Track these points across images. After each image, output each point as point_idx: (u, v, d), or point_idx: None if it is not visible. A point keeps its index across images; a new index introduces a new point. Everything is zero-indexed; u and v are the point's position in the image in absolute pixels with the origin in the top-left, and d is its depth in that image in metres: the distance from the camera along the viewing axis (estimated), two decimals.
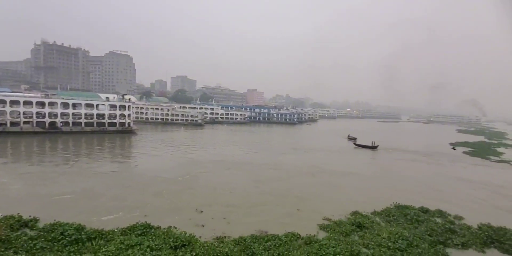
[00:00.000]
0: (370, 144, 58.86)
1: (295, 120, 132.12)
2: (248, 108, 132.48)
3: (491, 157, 53.14)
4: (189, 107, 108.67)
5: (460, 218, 20.94)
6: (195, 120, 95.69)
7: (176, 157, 39.67)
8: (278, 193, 25.58)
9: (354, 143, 60.86)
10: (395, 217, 19.95)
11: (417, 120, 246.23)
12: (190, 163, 36.31)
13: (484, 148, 65.81)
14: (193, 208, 20.88)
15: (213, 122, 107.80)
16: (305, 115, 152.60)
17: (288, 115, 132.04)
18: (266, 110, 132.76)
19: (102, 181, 26.55)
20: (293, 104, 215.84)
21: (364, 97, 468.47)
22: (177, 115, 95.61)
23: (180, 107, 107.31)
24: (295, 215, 20.42)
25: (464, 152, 58.12)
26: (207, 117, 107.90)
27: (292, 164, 39.02)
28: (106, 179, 27.38)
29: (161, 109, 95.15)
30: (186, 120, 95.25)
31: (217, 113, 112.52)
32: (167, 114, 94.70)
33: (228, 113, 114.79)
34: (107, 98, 68.60)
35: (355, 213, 21.01)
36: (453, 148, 61.63)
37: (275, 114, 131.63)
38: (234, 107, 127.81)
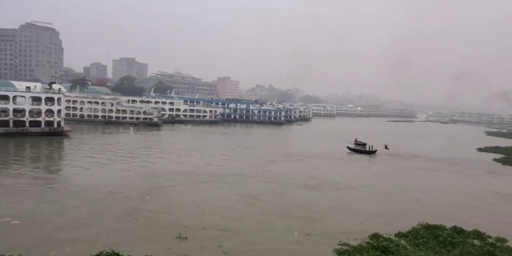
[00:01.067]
0: (367, 148, 62.56)
1: (283, 118, 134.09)
2: (220, 103, 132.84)
3: None
4: (140, 101, 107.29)
5: (503, 240, 22.43)
6: (150, 118, 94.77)
7: (130, 167, 39.65)
8: (278, 212, 26.44)
9: (348, 147, 64.19)
10: (424, 240, 21.16)
11: (436, 119, 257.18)
12: (151, 175, 36.45)
13: None
14: (174, 233, 21.06)
15: (174, 121, 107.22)
16: (295, 112, 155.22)
17: (273, 112, 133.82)
18: (244, 106, 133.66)
19: (41, 201, 26.17)
20: (278, 98, 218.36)
21: (371, 90, 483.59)
22: (124, 111, 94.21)
23: (129, 100, 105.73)
24: (305, 241, 21.16)
25: (495, 160, 61.73)
26: (165, 114, 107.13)
27: (285, 174, 40.07)
28: (45, 198, 26.97)
29: (102, 103, 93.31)
30: (137, 118, 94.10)
31: (178, 109, 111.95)
32: (111, 110, 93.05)
33: (193, 109, 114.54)
34: (28, 88, 66.36)
35: (375, 235, 22.06)
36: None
37: (256, 111, 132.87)
38: (201, 101, 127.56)
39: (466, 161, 59.02)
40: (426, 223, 24.17)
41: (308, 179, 38.93)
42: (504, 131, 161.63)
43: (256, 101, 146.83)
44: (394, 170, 48.53)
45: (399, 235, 22.36)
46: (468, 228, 23.80)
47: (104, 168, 38.86)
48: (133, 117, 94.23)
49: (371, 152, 61.78)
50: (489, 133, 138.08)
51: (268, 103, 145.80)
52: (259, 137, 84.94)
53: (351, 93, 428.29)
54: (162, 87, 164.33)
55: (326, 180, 38.59)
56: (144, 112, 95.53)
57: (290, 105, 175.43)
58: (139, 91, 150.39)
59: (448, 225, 23.91)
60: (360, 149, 62.85)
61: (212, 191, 31.65)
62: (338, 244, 20.65)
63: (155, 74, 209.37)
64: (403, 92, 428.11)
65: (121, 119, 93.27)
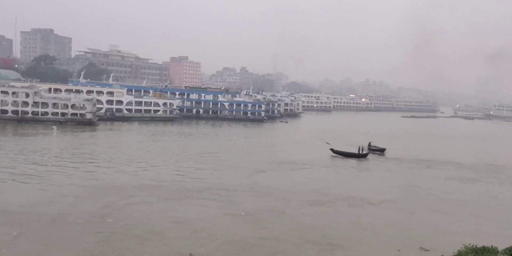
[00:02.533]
0: (358, 150, 65.82)
1: (263, 114, 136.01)
2: (177, 93, 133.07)
3: None
4: (66, 90, 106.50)
5: None
6: (81, 114, 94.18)
7: (68, 181, 40.25)
8: (290, 237, 27.87)
9: (331, 149, 67.37)
10: None
11: (466, 115, 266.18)
12: (101, 190, 37.23)
13: None
14: None
15: (114, 117, 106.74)
16: (279, 105, 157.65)
17: (250, 105, 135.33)
18: (210, 97, 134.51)
19: None
20: (255, 85, 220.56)
21: (379, 75, 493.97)
22: (45, 104, 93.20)
23: (50, 89, 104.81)
24: None
25: None
26: (101, 108, 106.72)
27: (280, 187, 41.79)
28: None
29: (13, 93, 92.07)
30: (63, 114, 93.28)
31: (120, 102, 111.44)
32: (26, 104, 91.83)
33: (141, 102, 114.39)
34: None
35: None
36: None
37: (227, 104, 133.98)
38: (151, 91, 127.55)
39: (506, 169, 62.64)
40: (474, 245, 26.32)
41: (312, 193, 40.63)
42: None
43: (227, 91, 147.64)
44: (419, 180, 50.93)
45: None
46: None
47: (30, 183, 39.19)
48: (57, 113, 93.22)
49: (362, 156, 65.15)
50: None
51: (243, 92, 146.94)
52: (235, 139, 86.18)
53: (353, 79, 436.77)
54: (95, 70, 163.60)
55: (335, 194, 40.41)
56: (73, 106, 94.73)
57: (273, 95, 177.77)
58: (62, 76, 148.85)
59: (499, 246, 26.08)
60: (347, 152, 66.58)
61: (194, 210, 32.84)
62: None
63: (83, 53, 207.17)
64: (422, 78, 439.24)
65: (40, 116, 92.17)
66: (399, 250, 26.37)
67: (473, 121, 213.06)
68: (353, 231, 30.09)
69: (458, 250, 25.37)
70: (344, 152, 66.58)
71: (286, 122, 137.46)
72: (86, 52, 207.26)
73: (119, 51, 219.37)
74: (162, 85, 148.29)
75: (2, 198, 33.68)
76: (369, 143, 75.95)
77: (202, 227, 28.92)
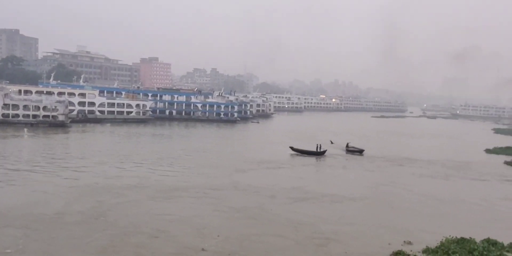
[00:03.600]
0: (316, 148, 68.59)
1: (236, 115, 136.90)
2: (150, 94, 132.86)
3: None
4: (37, 92, 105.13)
5: None
6: (53, 116, 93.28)
7: (52, 182, 40.64)
8: (285, 233, 29.31)
9: (291, 147, 69.78)
10: (457, 255, 24.50)
11: (434, 114, 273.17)
12: (87, 191, 37.84)
13: None
14: None
15: (86, 119, 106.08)
16: (251, 106, 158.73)
17: (223, 106, 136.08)
18: (183, 98, 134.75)
19: None
20: (226, 86, 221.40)
21: (348, 76, 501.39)
22: (15, 106, 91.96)
23: (20, 91, 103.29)
24: None
25: (506, 162, 68.92)
26: (73, 110, 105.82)
27: (262, 186, 43.26)
28: None
29: None
30: (35, 116, 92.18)
31: (92, 103, 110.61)
32: None
33: (113, 103, 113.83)
34: None
35: (398, 253, 25.25)
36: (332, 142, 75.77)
37: (200, 105, 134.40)
38: (123, 92, 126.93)
39: (474, 165, 65.20)
40: (455, 237, 28.01)
41: (294, 190, 42.03)
42: None
43: (199, 92, 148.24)
44: (394, 178, 52.75)
45: (428, 251, 25.55)
46: (501, 240, 27.50)
47: (15, 185, 39.27)
48: (28, 115, 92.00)
49: (320, 153, 67.55)
50: (497, 131, 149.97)
51: (216, 93, 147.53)
52: (209, 140, 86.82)
53: (323, 80, 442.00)
54: (64, 71, 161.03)
55: (316, 192, 41.85)
56: (45, 108, 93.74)
57: (245, 96, 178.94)
58: (30, 78, 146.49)
59: (476, 238, 27.68)
60: (306, 150, 68.83)
61: (187, 208, 33.94)
62: None
63: (51, 53, 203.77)
64: (390, 79, 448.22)
65: (10, 118, 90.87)
66: (389, 244, 27.55)
67: (440, 120, 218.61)
68: (342, 226, 31.30)
69: (441, 241, 27.05)
70: (303, 150, 68.68)
71: (258, 122, 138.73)
72: (54, 53, 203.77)
73: (88, 52, 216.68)
74: (134, 87, 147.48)
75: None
76: (347, 144, 77.04)
77: (200, 224, 29.95)
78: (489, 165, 66.82)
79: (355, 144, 77.88)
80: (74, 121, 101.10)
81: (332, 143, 78.84)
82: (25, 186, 39.33)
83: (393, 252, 25.66)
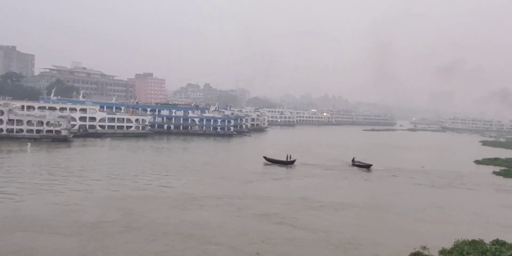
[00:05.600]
0: (286, 158, 71.83)
1: (232, 129, 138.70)
2: (148, 109, 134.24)
3: None
4: (39, 107, 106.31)
5: None
6: (56, 131, 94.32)
7: (75, 194, 41.93)
8: (314, 237, 31.62)
9: (265, 157, 73.09)
10: (472, 255, 26.51)
11: (423, 128, 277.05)
12: (108, 201, 39.51)
13: None
14: None
15: (87, 133, 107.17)
16: (246, 120, 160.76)
17: (219, 121, 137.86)
18: (181, 113, 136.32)
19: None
20: (219, 101, 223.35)
21: (338, 90, 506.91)
22: (20, 122, 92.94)
23: (23, 107, 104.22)
24: None
25: (495, 172, 71.69)
26: (74, 125, 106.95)
27: (271, 196, 45.10)
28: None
29: None
30: (38, 131, 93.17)
31: (93, 118, 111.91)
32: (0, 121, 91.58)
33: (113, 118, 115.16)
34: None
35: (416, 254, 27.27)
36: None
37: (197, 120, 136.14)
38: (123, 107, 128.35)
39: (466, 176, 67.50)
40: (466, 239, 29.75)
41: (304, 200, 43.98)
42: (502, 140, 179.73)
43: (196, 107, 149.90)
44: (396, 188, 54.89)
45: (444, 252, 27.50)
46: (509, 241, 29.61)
47: (40, 196, 40.77)
48: (32, 130, 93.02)
49: (289, 163, 70.45)
50: (485, 143, 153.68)
51: (212, 108, 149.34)
52: (210, 153, 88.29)
53: (313, 94, 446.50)
54: (62, 87, 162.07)
55: (323, 201, 43.77)
56: (48, 123, 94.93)
57: (239, 111, 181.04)
58: (29, 94, 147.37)
59: (486, 240, 29.70)
60: (277, 160, 72.29)
61: (214, 215, 36.13)
62: None
63: (48, 70, 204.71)
64: (379, 93, 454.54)
65: (15, 133, 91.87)
66: (406, 246, 29.47)
67: (429, 133, 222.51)
68: (361, 233, 33.17)
69: (454, 243, 29.08)
70: (275, 159, 72.07)
71: (250, 136, 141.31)
72: (51, 69, 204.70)
73: (84, 68, 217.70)
74: (133, 102, 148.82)
75: (30, 210, 35.49)
76: (353, 158, 75.75)
77: (240, 230, 32.10)
78: (480, 175, 69.43)
79: (349, 155, 79.39)
80: (76, 135, 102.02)
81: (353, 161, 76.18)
82: (52, 197, 40.63)
83: (411, 253, 27.57)
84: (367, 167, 70.53)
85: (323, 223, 35.36)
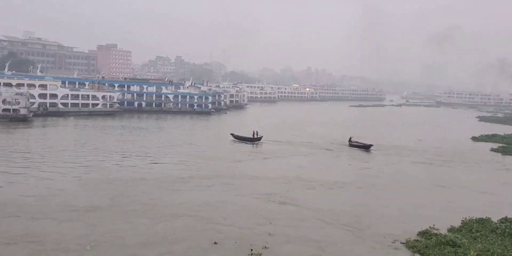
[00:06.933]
0: (253, 135, 74.89)
1: (210, 106, 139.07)
2: (116, 85, 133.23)
3: None
4: None
5: None
6: (14, 109, 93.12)
7: (54, 177, 42.43)
8: (316, 218, 33.17)
9: (232, 134, 76.90)
10: (481, 233, 28.59)
11: (415, 103, 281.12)
12: (103, 183, 40.86)
13: None
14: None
15: (47, 112, 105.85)
16: (225, 96, 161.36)
17: (196, 97, 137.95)
18: (153, 89, 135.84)
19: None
20: (193, 75, 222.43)
21: (321, 63, 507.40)
22: None
23: None
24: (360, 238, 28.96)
25: (493, 149, 74.81)
26: (33, 103, 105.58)
27: (265, 175, 46.98)
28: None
29: None
30: None
31: (54, 95, 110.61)
32: None
33: (77, 95, 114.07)
34: None
35: (425, 232, 29.19)
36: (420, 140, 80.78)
37: (171, 96, 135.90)
38: (87, 83, 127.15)
39: (464, 153, 70.62)
40: (474, 217, 31.76)
41: (299, 179, 45.56)
42: (500, 115, 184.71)
43: (170, 82, 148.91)
44: (393, 166, 57.19)
45: (453, 230, 29.48)
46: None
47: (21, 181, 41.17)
48: None
49: (256, 140, 73.59)
50: (482, 119, 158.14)
51: (187, 84, 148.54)
52: (189, 132, 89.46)
53: (294, 67, 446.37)
54: (16, 60, 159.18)
55: (320, 180, 45.38)
56: (4, 101, 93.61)
57: (217, 86, 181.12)
58: None
59: (493, 218, 31.79)
60: (244, 136, 75.75)
61: (211, 195, 37.79)
62: (392, 242, 27.73)
63: None
64: (366, 66, 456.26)
65: None
66: (414, 226, 31.06)
67: (422, 108, 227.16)
68: (367, 213, 34.87)
69: (462, 221, 30.97)
70: (241, 136, 75.52)
71: (226, 113, 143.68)
72: (1, 40, 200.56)
73: (39, 39, 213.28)
74: (98, 77, 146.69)
75: (10, 195, 36.02)
76: (350, 138, 74.89)
77: (244, 211, 33.71)
78: (478, 152, 72.41)
79: (354, 136, 79.45)
80: (36, 115, 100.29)
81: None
82: (32, 181, 41.08)
83: (419, 231, 29.41)
84: (367, 147, 70.05)
85: (326, 203, 36.91)
